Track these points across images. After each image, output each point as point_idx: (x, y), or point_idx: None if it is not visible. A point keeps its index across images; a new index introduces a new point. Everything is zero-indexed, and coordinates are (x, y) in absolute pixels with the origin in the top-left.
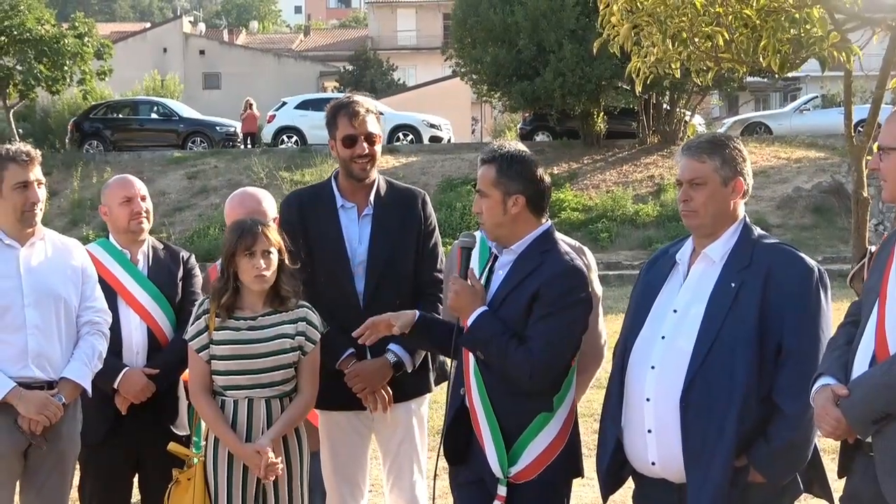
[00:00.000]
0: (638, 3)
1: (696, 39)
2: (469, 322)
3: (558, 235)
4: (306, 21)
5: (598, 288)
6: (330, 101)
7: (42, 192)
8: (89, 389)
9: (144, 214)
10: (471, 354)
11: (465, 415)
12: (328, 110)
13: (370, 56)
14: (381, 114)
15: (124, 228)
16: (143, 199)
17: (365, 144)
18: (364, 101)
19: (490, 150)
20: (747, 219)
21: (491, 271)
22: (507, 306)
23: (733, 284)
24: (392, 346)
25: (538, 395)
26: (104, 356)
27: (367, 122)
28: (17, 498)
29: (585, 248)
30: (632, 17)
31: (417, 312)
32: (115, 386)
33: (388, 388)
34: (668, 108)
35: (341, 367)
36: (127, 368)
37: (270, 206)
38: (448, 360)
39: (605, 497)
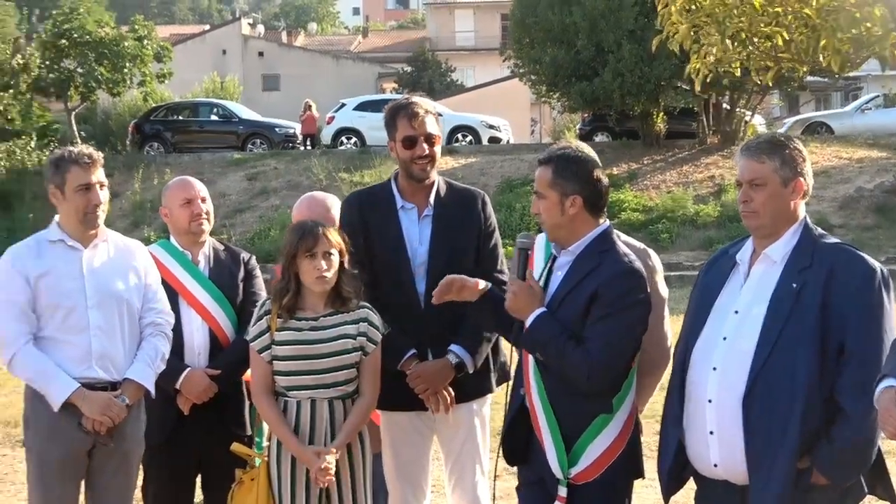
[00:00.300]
0: (696, 3)
1: (756, 39)
2: (527, 323)
3: (623, 237)
4: (364, 22)
5: (663, 290)
6: (388, 102)
7: (104, 194)
8: (152, 390)
9: (205, 216)
10: (530, 355)
11: (526, 415)
12: (387, 112)
13: (428, 57)
14: (440, 115)
15: (185, 230)
16: (204, 200)
17: (425, 145)
18: (423, 101)
19: (548, 151)
20: (808, 219)
21: (550, 272)
22: (565, 307)
23: (795, 285)
24: (454, 347)
25: (597, 396)
26: (167, 357)
27: (427, 123)
28: (81, 498)
29: (650, 250)
30: (690, 17)
31: (490, 284)
32: (177, 386)
33: (450, 389)
34: (729, 107)
35: (403, 368)
36: (189, 369)
37: (339, 211)
38: (509, 361)
39: (666, 498)
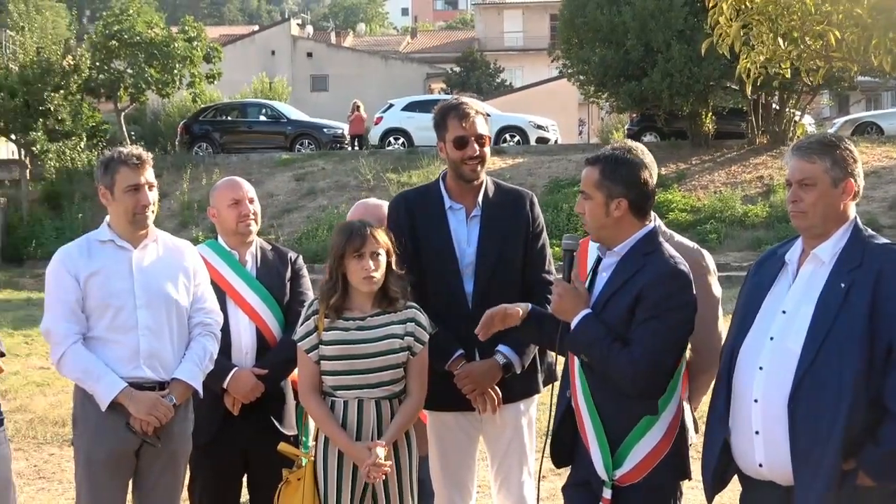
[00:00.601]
0: (747, 2)
1: (807, 38)
2: (572, 325)
3: (677, 238)
4: (413, 23)
5: (717, 290)
6: (437, 102)
7: (154, 195)
8: (200, 390)
9: (252, 216)
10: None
11: (573, 417)
12: (436, 112)
13: (477, 57)
14: (489, 115)
15: (232, 230)
16: (251, 201)
17: (476, 146)
18: (472, 102)
19: (598, 151)
20: (858, 219)
21: (595, 273)
22: (609, 309)
23: (843, 285)
24: (501, 348)
25: (642, 398)
26: (215, 357)
27: (477, 124)
28: (129, 497)
29: (704, 251)
30: (742, 17)
31: (530, 305)
32: (225, 386)
33: (497, 390)
34: (778, 108)
35: (451, 369)
36: (236, 369)
37: None
38: (555, 362)
39: (710, 498)
